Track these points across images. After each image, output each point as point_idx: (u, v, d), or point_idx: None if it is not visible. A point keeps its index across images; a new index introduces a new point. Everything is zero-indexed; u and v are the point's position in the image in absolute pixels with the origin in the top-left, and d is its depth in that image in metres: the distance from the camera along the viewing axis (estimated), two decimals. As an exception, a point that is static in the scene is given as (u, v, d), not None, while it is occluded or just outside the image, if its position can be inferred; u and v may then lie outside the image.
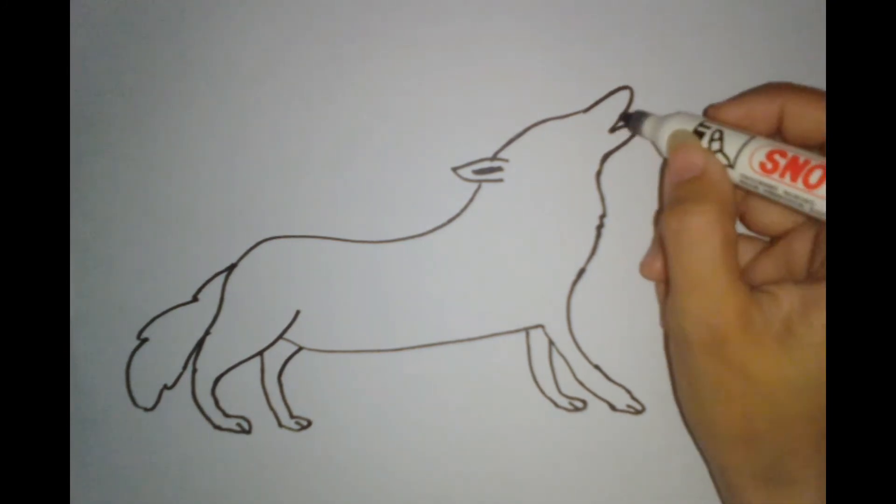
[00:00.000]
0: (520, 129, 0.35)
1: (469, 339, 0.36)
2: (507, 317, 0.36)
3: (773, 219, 0.32)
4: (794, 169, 0.27)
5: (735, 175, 0.28)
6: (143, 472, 0.37)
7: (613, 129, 0.35)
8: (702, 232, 0.27)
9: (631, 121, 0.33)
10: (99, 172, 0.38)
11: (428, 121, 0.36)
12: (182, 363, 0.37)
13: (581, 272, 0.35)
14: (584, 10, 0.36)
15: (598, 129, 0.35)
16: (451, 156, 0.36)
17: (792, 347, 0.27)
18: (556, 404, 0.36)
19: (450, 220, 0.36)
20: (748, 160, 0.28)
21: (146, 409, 0.37)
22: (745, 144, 0.28)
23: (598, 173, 0.35)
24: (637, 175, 0.35)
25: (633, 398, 0.35)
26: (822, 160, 0.26)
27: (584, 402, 0.36)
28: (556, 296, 0.35)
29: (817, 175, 0.26)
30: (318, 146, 0.37)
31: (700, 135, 0.29)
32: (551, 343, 0.36)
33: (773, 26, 0.35)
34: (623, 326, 0.35)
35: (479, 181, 0.36)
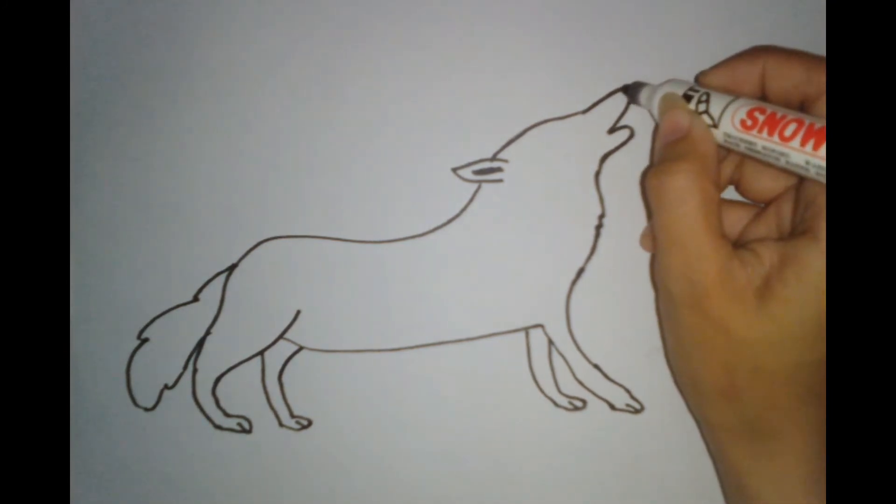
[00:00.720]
0: (519, 129, 0.35)
1: (469, 339, 0.36)
2: (506, 317, 0.36)
3: (765, 185, 0.32)
4: (772, 124, 0.27)
5: (719, 135, 0.29)
6: (143, 472, 0.37)
7: (612, 130, 0.35)
8: (681, 190, 0.28)
9: (629, 91, 0.34)
10: (99, 172, 0.38)
11: (428, 121, 0.36)
12: (183, 363, 0.37)
13: (580, 272, 0.35)
14: (584, 10, 0.36)
15: (597, 129, 0.35)
16: (451, 156, 0.36)
17: (770, 303, 0.27)
18: (555, 404, 0.36)
19: (450, 220, 0.36)
20: (730, 119, 0.29)
21: (147, 409, 0.37)
22: (728, 104, 0.29)
23: (598, 174, 0.35)
24: (636, 175, 0.35)
25: (633, 397, 0.35)
26: (799, 115, 0.27)
27: (583, 401, 0.36)
28: (555, 295, 0.35)
29: (791, 128, 0.27)
30: (318, 146, 0.37)
31: (688, 98, 0.31)
32: (551, 343, 0.36)
33: (773, 26, 0.35)
34: (622, 326, 0.35)
35: (479, 181, 0.36)
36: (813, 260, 0.26)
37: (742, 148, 0.29)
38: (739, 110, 0.29)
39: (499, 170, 0.35)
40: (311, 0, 0.37)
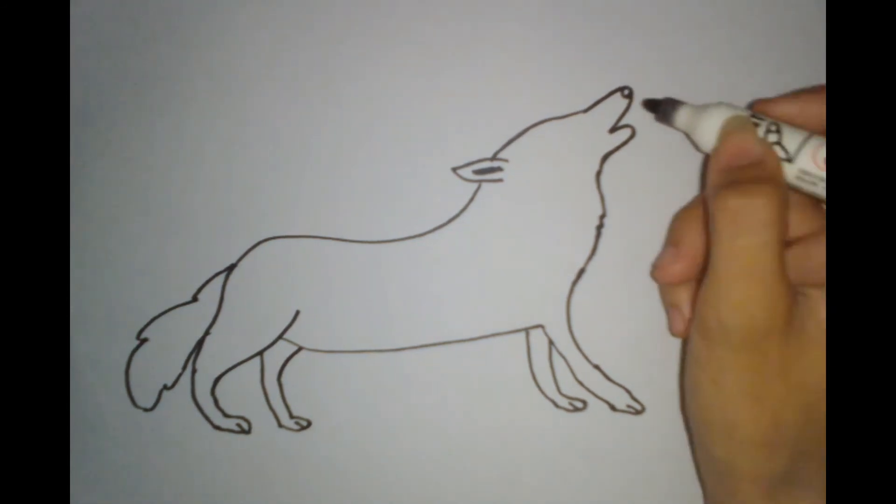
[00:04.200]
0: (520, 129, 0.35)
1: (469, 339, 0.36)
2: (506, 317, 0.36)
3: (793, 223, 0.30)
4: None
5: (792, 170, 0.28)
6: (143, 472, 0.37)
7: (613, 130, 0.35)
8: (765, 216, 0.25)
9: (660, 108, 0.32)
10: (99, 172, 0.38)
11: (428, 121, 0.36)
12: (182, 363, 0.37)
13: (581, 272, 0.35)
14: (584, 10, 0.36)
15: (597, 129, 0.35)
16: (451, 156, 0.36)
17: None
18: (556, 404, 0.36)
19: (450, 220, 0.36)
20: (811, 155, 0.27)
21: (146, 410, 0.37)
22: (807, 139, 0.27)
23: (598, 173, 0.35)
24: (637, 175, 0.35)
25: (633, 398, 0.35)
26: None
27: (584, 402, 0.36)
28: (555, 296, 0.35)
29: None
30: (318, 146, 0.37)
31: (755, 126, 0.29)
32: (551, 343, 0.36)
33: (773, 26, 0.35)
34: (623, 326, 0.35)
35: (479, 181, 0.36)
36: None
37: (819, 188, 0.27)
38: (821, 148, 0.27)
39: (499, 169, 0.35)
40: (311, 0, 0.37)
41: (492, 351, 0.36)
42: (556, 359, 0.36)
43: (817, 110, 0.28)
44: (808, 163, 0.27)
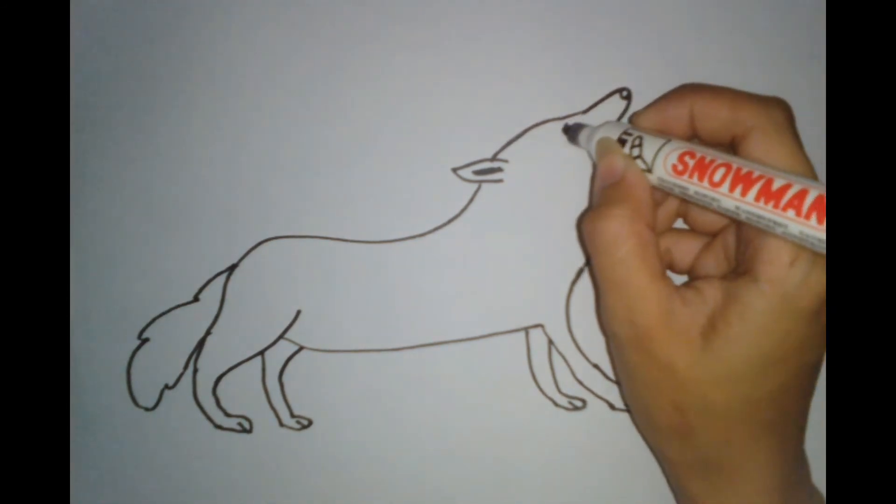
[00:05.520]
0: (519, 129, 0.35)
1: (469, 339, 0.36)
2: (506, 316, 0.36)
3: (710, 218, 0.32)
4: (701, 169, 0.27)
5: (654, 179, 0.29)
6: (143, 472, 0.37)
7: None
8: (616, 234, 0.28)
9: (570, 132, 0.34)
10: (99, 172, 0.38)
11: (428, 121, 0.36)
12: (183, 363, 0.37)
13: (580, 272, 0.35)
14: (584, 10, 0.36)
15: (597, 129, 0.35)
16: (451, 156, 0.36)
17: (714, 342, 0.27)
18: (555, 403, 0.36)
19: (450, 220, 0.36)
20: (663, 163, 0.29)
21: (147, 409, 0.37)
22: (660, 148, 0.29)
23: (593, 178, 0.35)
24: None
25: (633, 398, 0.35)
26: (727, 159, 0.27)
27: (583, 401, 0.36)
28: (555, 295, 0.35)
29: (720, 173, 0.27)
30: (318, 146, 0.37)
31: (623, 142, 0.30)
32: (551, 342, 0.36)
33: (773, 26, 0.35)
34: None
35: (479, 181, 0.36)
36: (754, 300, 0.26)
37: (676, 192, 0.29)
38: (671, 155, 0.28)
39: (499, 170, 0.35)
40: (312, 1, 0.37)
41: (492, 351, 0.36)
42: (556, 358, 0.36)
43: (675, 114, 0.30)
44: (661, 171, 0.29)
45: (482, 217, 0.36)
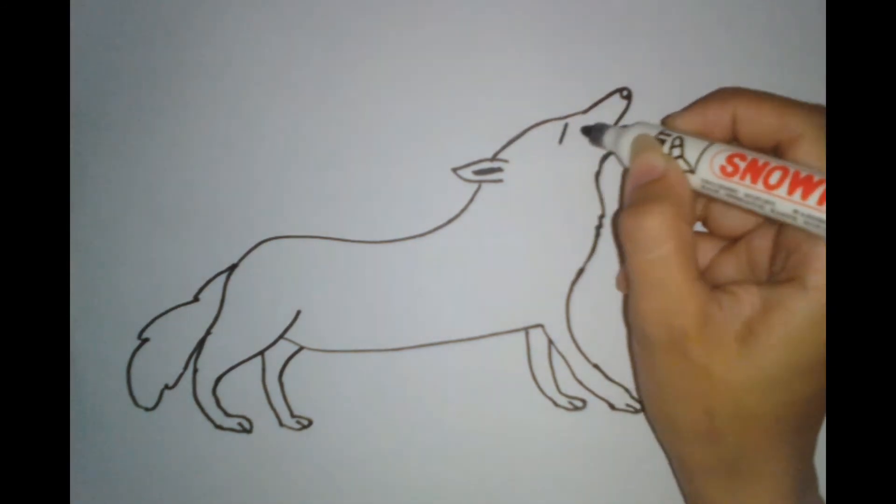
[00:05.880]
0: (519, 129, 0.35)
1: (469, 339, 0.36)
2: (506, 316, 0.36)
3: (734, 222, 0.32)
4: (754, 171, 0.27)
5: (696, 180, 0.29)
6: (143, 472, 0.37)
7: (561, 140, 0.35)
8: (658, 232, 0.27)
9: (592, 133, 0.34)
10: (99, 172, 0.38)
11: (428, 121, 0.36)
12: (183, 363, 0.37)
13: (580, 272, 0.35)
14: (584, 10, 0.36)
15: (597, 129, 0.35)
16: (451, 156, 0.36)
17: (752, 347, 0.27)
18: (555, 403, 0.36)
19: (450, 220, 0.36)
20: (709, 164, 0.28)
21: (147, 409, 0.37)
22: (705, 149, 0.28)
23: (598, 174, 0.35)
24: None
25: (633, 397, 0.35)
26: (781, 162, 0.27)
27: (583, 401, 0.36)
28: (555, 295, 0.35)
29: (777, 176, 0.26)
30: (318, 146, 0.37)
31: (661, 142, 0.30)
32: (551, 342, 0.36)
33: (773, 26, 0.35)
34: (622, 326, 0.35)
35: (479, 181, 0.36)
36: (801, 308, 0.26)
37: (722, 194, 0.28)
38: (718, 156, 0.28)
39: (499, 170, 0.35)
40: (312, 0, 0.37)
41: (492, 351, 0.36)
42: (556, 358, 0.36)
43: (717, 117, 0.30)
44: (706, 172, 0.28)
45: (482, 217, 0.36)
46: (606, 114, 0.35)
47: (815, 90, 0.34)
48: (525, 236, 0.36)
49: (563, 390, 0.36)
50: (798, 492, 0.29)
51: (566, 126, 0.35)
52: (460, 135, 0.36)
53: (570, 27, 0.36)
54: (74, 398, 0.37)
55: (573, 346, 0.35)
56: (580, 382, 0.36)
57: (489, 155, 0.36)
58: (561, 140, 0.35)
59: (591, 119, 0.35)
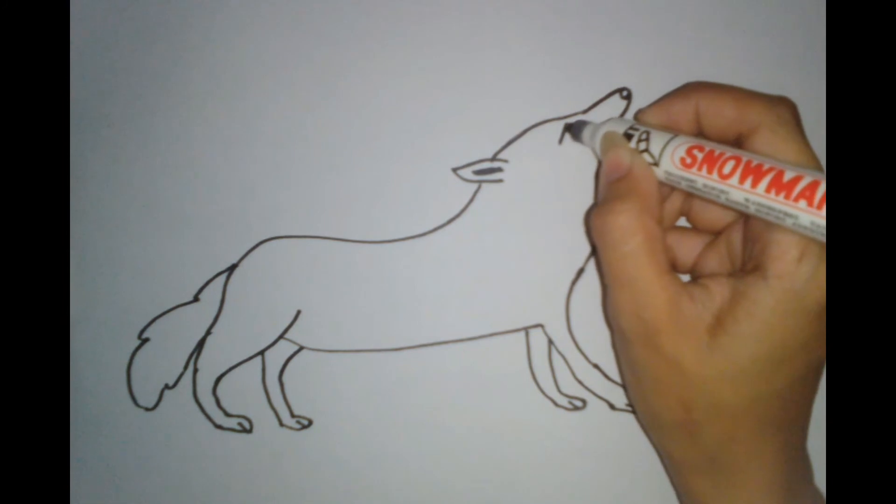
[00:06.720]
0: (519, 129, 0.35)
1: (469, 339, 0.36)
2: (506, 316, 0.36)
3: (714, 215, 0.32)
4: (710, 162, 0.28)
5: (660, 172, 0.29)
6: (143, 472, 0.37)
7: (560, 140, 0.35)
8: (624, 229, 0.28)
9: (573, 130, 0.34)
10: (99, 172, 0.38)
11: (428, 121, 0.36)
12: (183, 363, 0.37)
13: (580, 272, 0.36)
14: (584, 10, 0.36)
15: (597, 129, 0.35)
16: (451, 156, 0.36)
17: (722, 339, 0.27)
18: (555, 403, 0.36)
19: (450, 220, 0.36)
20: (671, 157, 0.29)
21: (147, 409, 0.37)
22: (668, 142, 0.29)
23: (598, 174, 0.35)
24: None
25: (633, 398, 0.35)
26: (736, 152, 0.27)
27: (583, 400, 0.36)
28: (555, 295, 0.35)
29: (730, 166, 0.27)
30: (318, 146, 0.37)
31: (629, 137, 0.31)
32: (551, 342, 0.36)
33: (773, 26, 0.35)
34: (623, 326, 0.35)
35: (479, 181, 0.36)
36: (763, 297, 0.26)
37: (684, 185, 0.29)
38: (679, 148, 0.29)
39: (499, 170, 0.36)
40: (312, 0, 0.37)
41: (492, 350, 0.36)
42: (556, 358, 0.36)
43: (681, 111, 0.30)
44: (668, 164, 0.29)
45: (482, 217, 0.36)
46: (606, 114, 0.35)
47: (815, 90, 0.34)
48: (525, 236, 0.36)
49: (563, 390, 0.36)
50: (787, 485, 0.29)
51: (566, 126, 0.35)
52: (460, 135, 0.36)
53: (570, 27, 0.36)
54: (74, 398, 0.37)
55: (573, 346, 0.35)
56: (580, 382, 0.36)
57: (489, 155, 0.36)
58: (561, 140, 0.35)
59: (591, 118, 0.35)
